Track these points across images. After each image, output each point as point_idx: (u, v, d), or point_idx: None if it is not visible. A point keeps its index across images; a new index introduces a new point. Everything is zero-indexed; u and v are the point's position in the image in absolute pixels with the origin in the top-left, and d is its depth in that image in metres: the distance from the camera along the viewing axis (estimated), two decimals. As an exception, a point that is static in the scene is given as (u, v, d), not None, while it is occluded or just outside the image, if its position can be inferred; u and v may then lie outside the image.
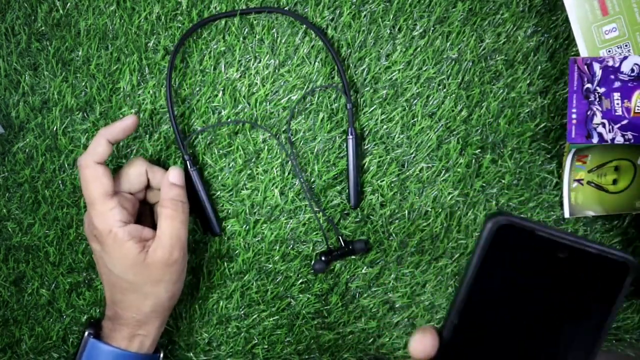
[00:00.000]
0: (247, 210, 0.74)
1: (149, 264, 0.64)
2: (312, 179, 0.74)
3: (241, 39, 0.73)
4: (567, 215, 0.73)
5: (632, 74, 0.67)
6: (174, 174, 0.68)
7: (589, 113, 0.68)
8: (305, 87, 0.73)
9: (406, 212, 0.75)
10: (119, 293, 0.65)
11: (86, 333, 0.67)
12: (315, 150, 0.74)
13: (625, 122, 0.67)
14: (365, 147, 0.74)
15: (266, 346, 0.76)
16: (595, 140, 0.68)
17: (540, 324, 0.37)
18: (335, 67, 0.73)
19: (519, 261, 0.36)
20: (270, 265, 0.75)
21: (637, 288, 0.77)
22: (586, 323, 0.37)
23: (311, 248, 0.75)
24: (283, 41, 0.73)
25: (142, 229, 0.65)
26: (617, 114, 0.67)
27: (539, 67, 0.74)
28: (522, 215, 0.36)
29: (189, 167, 0.71)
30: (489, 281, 0.36)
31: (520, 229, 0.35)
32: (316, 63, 0.73)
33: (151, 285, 0.64)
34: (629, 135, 0.67)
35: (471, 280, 0.36)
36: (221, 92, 0.73)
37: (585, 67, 0.68)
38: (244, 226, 0.74)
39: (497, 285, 0.36)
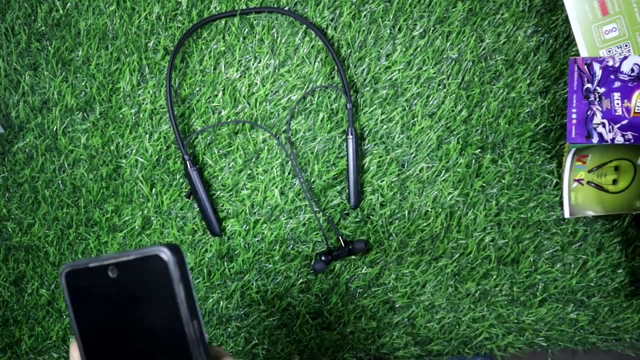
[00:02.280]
0: (247, 210, 0.74)
1: None
2: (312, 179, 0.74)
3: (241, 39, 0.73)
4: (567, 215, 0.73)
5: (632, 74, 0.67)
6: None
7: (589, 113, 0.68)
8: (305, 87, 0.73)
9: (406, 212, 0.75)
10: None
11: None
12: (315, 150, 0.74)
13: (625, 122, 0.67)
14: (365, 147, 0.74)
15: (266, 346, 0.76)
16: (595, 140, 0.68)
17: (138, 340, 0.40)
18: (335, 67, 0.73)
19: (95, 295, 0.40)
20: (270, 265, 0.75)
21: (636, 288, 0.77)
22: (169, 321, 0.39)
23: (311, 248, 0.75)
24: (283, 41, 0.73)
25: None
26: (617, 114, 0.67)
27: (539, 67, 0.74)
28: (95, 257, 0.41)
29: (189, 167, 0.71)
30: (87, 319, 0.40)
31: (82, 269, 0.40)
32: (316, 63, 0.73)
33: None
34: (629, 135, 0.67)
35: (76, 325, 0.41)
36: (221, 92, 0.73)
37: (585, 67, 0.68)
38: (244, 226, 0.74)
39: (94, 319, 0.40)
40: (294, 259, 0.75)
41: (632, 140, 0.67)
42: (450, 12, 0.73)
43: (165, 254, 0.38)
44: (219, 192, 0.74)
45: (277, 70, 0.73)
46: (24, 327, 0.75)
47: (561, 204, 0.75)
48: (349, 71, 0.73)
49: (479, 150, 0.74)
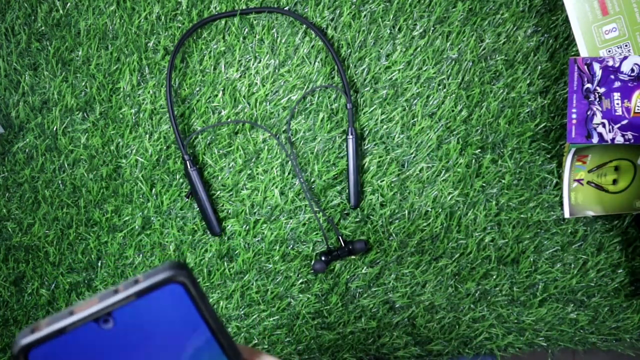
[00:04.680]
0: (247, 210, 0.74)
1: None
2: (312, 179, 0.74)
3: (241, 39, 0.73)
4: (567, 215, 0.73)
5: (632, 74, 0.67)
6: None
7: (589, 113, 0.68)
8: (305, 87, 0.73)
9: (406, 212, 0.75)
10: None
11: None
12: (315, 150, 0.74)
13: (625, 122, 0.67)
14: (365, 147, 0.74)
15: (266, 346, 0.76)
16: (595, 140, 0.68)
17: None
18: (335, 67, 0.73)
19: None
20: (270, 265, 0.75)
21: (636, 288, 0.77)
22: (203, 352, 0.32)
23: (311, 248, 0.75)
24: (283, 41, 0.73)
25: None
26: (617, 114, 0.67)
27: (539, 67, 0.74)
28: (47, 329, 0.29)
29: (189, 167, 0.71)
30: None
31: (48, 340, 0.28)
32: (316, 63, 0.73)
33: None
34: (629, 135, 0.67)
35: None
36: (221, 92, 0.73)
37: (585, 67, 0.68)
38: (244, 226, 0.74)
39: None
40: (294, 259, 0.75)
41: (632, 140, 0.67)
42: (450, 12, 0.73)
43: (178, 276, 0.29)
44: (219, 192, 0.74)
45: (277, 70, 0.73)
46: (23, 327, 0.75)
47: (561, 204, 0.75)
48: (349, 71, 0.73)
49: (479, 150, 0.74)
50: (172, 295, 0.30)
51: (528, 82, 0.74)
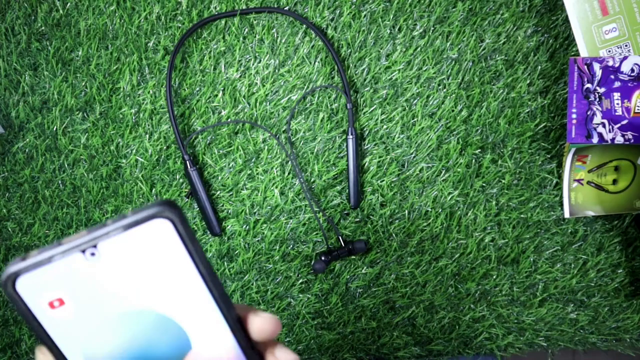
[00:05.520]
0: (247, 210, 0.74)
1: None
2: (312, 179, 0.74)
3: (241, 39, 0.73)
4: (567, 215, 0.73)
5: (632, 74, 0.67)
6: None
7: (589, 113, 0.68)
8: (305, 87, 0.73)
9: (406, 212, 0.75)
10: None
11: None
12: (315, 150, 0.74)
13: (625, 122, 0.67)
14: (365, 147, 0.74)
15: (266, 346, 0.76)
16: (595, 140, 0.68)
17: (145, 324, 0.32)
18: (335, 67, 0.73)
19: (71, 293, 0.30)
20: (270, 265, 0.75)
21: (636, 288, 0.77)
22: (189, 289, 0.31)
23: (311, 248, 0.75)
24: (283, 41, 0.73)
25: None
26: (617, 114, 0.67)
27: (539, 67, 0.74)
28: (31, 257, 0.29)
29: (188, 167, 0.71)
30: (57, 327, 0.30)
31: (35, 268, 0.28)
32: (316, 63, 0.73)
33: None
34: (629, 135, 0.67)
35: (43, 337, 0.31)
36: (221, 92, 0.73)
37: (585, 67, 0.68)
38: (244, 226, 0.74)
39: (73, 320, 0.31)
40: (294, 259, 0.75)
41: (632, 140, 0.67)
42: (450, 12, 0.73)
43: (166, 211, 0.28)
44: (219, 192, 0.74)
45: (277, 70, 0.73)
46: (24, 327, 0.75)
47: (561, 204, 0.75)
48: (349, 71, 0.73)
49: (479, 150, 0.74)
50: (160, 231, 0.29)
51: (528, 82, 0.74)
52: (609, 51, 0.69)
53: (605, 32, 0.69)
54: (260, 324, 0.33)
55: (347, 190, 0.74)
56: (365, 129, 0.74)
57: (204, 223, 0.75)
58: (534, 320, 0.76)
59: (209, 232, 0.74)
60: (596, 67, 0.67)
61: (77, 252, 0.28)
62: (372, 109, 0.74)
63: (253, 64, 0.73)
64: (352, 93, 0.73)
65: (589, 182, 0.72)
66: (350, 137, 0.72)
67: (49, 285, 0.29)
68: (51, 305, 0.30)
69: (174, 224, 0.29)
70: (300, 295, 0.76)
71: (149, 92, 0.73)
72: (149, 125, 0.73)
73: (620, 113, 0.67)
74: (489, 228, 0.75)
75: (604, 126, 0.68)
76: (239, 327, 0.33)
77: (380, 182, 0.74)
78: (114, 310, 0.31)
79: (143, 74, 0.73)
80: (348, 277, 0.76)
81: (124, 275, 0.30)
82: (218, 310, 0.32)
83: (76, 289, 0.30)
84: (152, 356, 0.33)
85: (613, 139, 0.67)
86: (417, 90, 0.74)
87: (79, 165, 0.73)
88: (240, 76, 0.73)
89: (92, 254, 0.29)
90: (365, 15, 0.73)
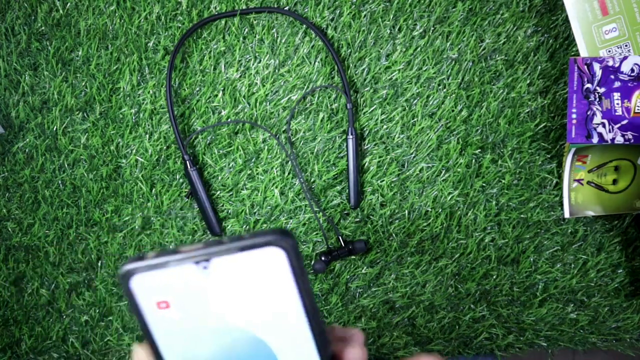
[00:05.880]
0: (247, 210, 0.74)
1: None
2: (312, 179, 0.74)
3: (241, 39, 0.73)
4: (567, 215, 0.73)
5: (632, 74, 0.67)
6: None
7: (589, 113, 0.68)
8: (305, 87, 0.73)
9: (406, 212, 0.75)
10: None
11: None
12: (315, 150, 0.74)
13: (625, 122, 0.67)
14: (365, 147, 0.74)
15: (266, 346, 0.76)
16: (595, 140, 0.68)
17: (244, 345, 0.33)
18: (335, 67, 0.73)
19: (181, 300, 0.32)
20: (270, 265, 0.75)
21: (636, 288, 0.77)
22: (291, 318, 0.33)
23: (311, 248, 0.75)
24: (283, 41, 0.73)
25: None
26: (617, 114, 0.67)
27: (539, 67, 0.74)
28: (153, 255, 0.31)
29: (189, 167, 0.71)
30: (165, 329, 0.32)
31: (150, 270, 0.31)
32: (316, 63, 0.73)
33: None
34: (629, 135, 0.67)
35: (149, 338, 0.33)
36: (221, 92, 0.73)
37: (585, 67, 0.68)
38: (244, 226, 0.74)
39: (178, 328, 0.33)
40: (294, 259, 0.75)
41: (632, 140, 0.67)
42: (450, 12, 0.73)
43: (283, 245, 0.30)
44: (219, 192, 0.74)
45: (277, 70, 0.73)
46: (24, 327, 0.75)
47: (561, 204, 0.75)
48: (349, 71, 0.73)
49: (479, 150, 0.74)
50: (273, 259, 0.30)
51: (528, 82, 0.74)
52: (609, 51, 0.69)
53: (605, 32, 0.69)
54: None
55: (347, 190, 0.74)
56: (365, 129, 0.74)
57: (204, 223, 0.75)
58: (534, 320, 0.76)
59: (209, 232, 0.74)
60: (596, 67, 0.67)
61: (191, 262, 0.30)
62: (372, 109, 0.74)
63: (253, 64, 0.73)
64: (352, 93, 0.73)
65: (589, 182, 0.72)
66: (350, 137, 0.72)
67: (160, 287, 0.31)
68: (158, 305, 0.31)
69: (287, 255, 0.30)
70: (300, 295, 0.76)
71: (149, 92, 0.73)
72: (149, 125, 0.73)
73: (620, 113, 0.67)
74: (489, 228, 0.75)
75: (604, 126, 0.68)
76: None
77: (380, 182, 0.74)
78: (213, 323, 0.32)
79: (143, 74, 0.73)
80: (348, 277, 0.76)
81: (230, 292, 0.31)
82: (314, 346, 0.33)
83: (183, 296, 0.31)
84: None
85: (613, 139, 0.67)
86: (417, 90, 0.74)
87: (79, 165, 0.73)
88: (240, 76, 0.73)
89: (205, 267, 0.31)
90: (365, 15, 0.73)
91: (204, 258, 0.30)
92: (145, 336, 0.32)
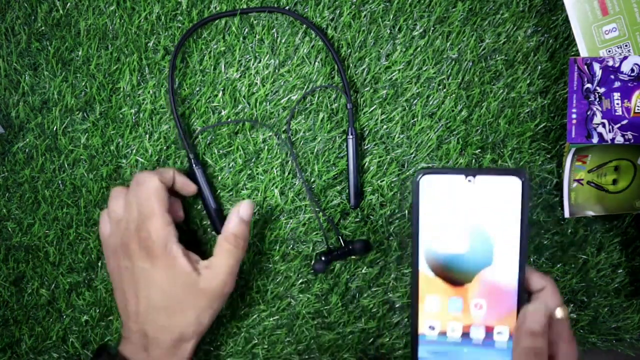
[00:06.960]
0: (247, 210, 0.74)
1: (202, 290, 0.63)
2: (312, 179, 0.74)
3: (241, 39, 0.73)
4: (567, 215, 0.73)
5: (632, 74, 0.67)
6: (245, 209, 0.66)
7: (589, 113, 0.68)
8: (305, 87, 0.73)
9: (406, 212, 0.75)
10: (161, 314, 0.63)
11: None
12: (315, 150, 0.74)
13: (625, 122, 0.67)
14: (365, 147, 0.74)
15: (266, 346, 0.76)
16: (595, 140, 0.68)
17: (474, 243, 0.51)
18: (335, 67, 0.73)
19: (445, 195, 0.50)
20: (270, 265, 0.75)
21: (636, 288, 0.77)
22: (511, 233, 0.50)
23: (311, 248, 0.75)
24: (283, 41, 0.73)
25: (187, 250, 0.64)
26: (617, 114, 0.67)
27: (539, 67, 0.74)
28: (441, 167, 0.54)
29: (193, 165, 0.71)
30: (431, 218, 0.51)
31: (435, 173, 0.50)
32: (316, 63, 0.73)
33: (198, 310, 0.63)
34: (629, 135, 0.67)
35: (417, 224, 0.51)
36: (221, 92, 0.73)
37: (585, 67, 0.68)
38: (244, 226, 0.74)
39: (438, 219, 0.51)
40: (294, 259, 0.75)
41: (632, 140, 0.67)
42: (450, 12, 0.73)
43: (522, 177, 0.48)
44: (219, 192, 0.74)
45: (277, 70, 0.73)
46: (24, 327, 0.75)
47: (561, 204, 0.75)
48: (349, 71, 0.73)
49: (479, 150, 0.74)
50: (514, 184, 0.49)
51: (528, 82, 0.74)
52: (609, 51, 0.69)
53: (605, 32, 0.69)
54: (536, 283, 0.53)
55: (347, 190, 0.74)
56: (365, 129, 0.74)
57: (204, 222, 0.75)
58: (534, 320, 0.76)
59: (212, 231, 0.74)
60: (596, 67, 0.67)
61: (462, 174, 0.50)
62: (372, 109, 0.74)
63: (253, 64, 0.73)
64: (352, 93, 0.73)
65: (589, 182, 0.72)
66: (350, 137, 0.72)
67: (437, 187, 0.50)
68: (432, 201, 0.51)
69: (523, 184, 0.49)
70: (300, 295, 0.76)
71: (149, 92, 0.73)
72: (149, 125, 0.73)
73: (620, 113, 0.67)
74: (489, 228, 0.75)
75: (604, 126, 0.68)
76: (523, 275, 0.51)
77: (380, 182, 0.74)
78: (463, 219, 0.51)
79: (143, 74, 0.73)
80: (348, 277, 0.76)
81: (481, 199, 0.50)
82: (518, 254, 0.50)
83: (450, 196, 0.50)
84: (464, 259, 0.51)
85: (613, 139, 0.67)
86: (417, 90, 0.74)
87: (79, 165, 0.73)
88: (240, 76, 0.73)
89: (469, 181, 0.50)
90: (365, 15, 0.73)
91: (474, 174, 0.50)
92: (414, 216, 0.51)
